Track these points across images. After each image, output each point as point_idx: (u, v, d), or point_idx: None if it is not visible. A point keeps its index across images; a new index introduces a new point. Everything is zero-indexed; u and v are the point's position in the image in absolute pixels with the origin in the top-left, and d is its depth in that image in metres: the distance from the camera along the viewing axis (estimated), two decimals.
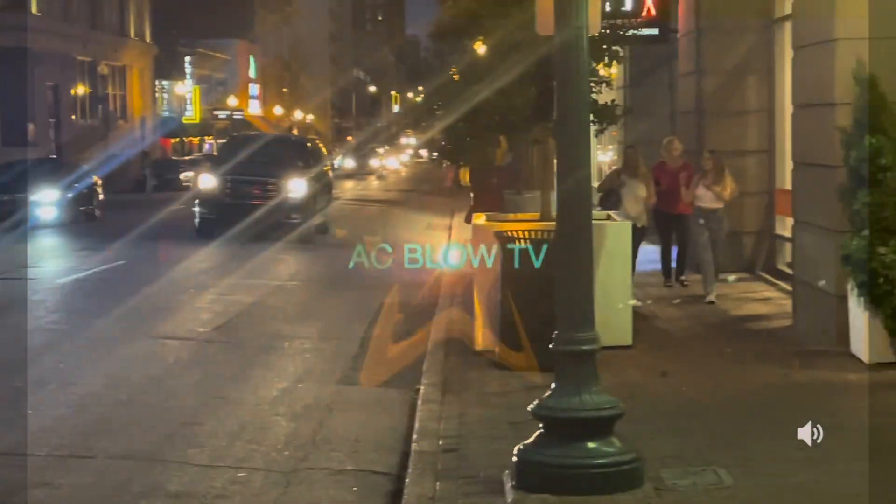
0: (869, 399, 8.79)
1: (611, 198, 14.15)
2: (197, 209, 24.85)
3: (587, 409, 6.70)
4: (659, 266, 15.60)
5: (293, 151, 27.25)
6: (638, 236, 13.81)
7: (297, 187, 24.73)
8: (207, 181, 25.13)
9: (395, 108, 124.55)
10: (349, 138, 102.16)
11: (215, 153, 46.22)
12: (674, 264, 15.43)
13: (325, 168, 28.61)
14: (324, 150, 30.44)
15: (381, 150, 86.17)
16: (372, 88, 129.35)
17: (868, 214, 9.87)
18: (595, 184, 28.75)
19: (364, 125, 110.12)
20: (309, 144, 29.74)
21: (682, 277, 15.22)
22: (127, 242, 22.75)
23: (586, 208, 6.84)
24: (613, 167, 15.11)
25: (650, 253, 15.93)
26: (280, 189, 24.52)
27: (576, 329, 6.79)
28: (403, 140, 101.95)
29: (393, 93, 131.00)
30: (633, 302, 13.25)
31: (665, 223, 15.22)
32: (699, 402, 8.96)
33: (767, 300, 14.13)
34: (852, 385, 9.31)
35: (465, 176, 32.22)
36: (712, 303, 13.73)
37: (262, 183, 24.62)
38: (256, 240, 22.70)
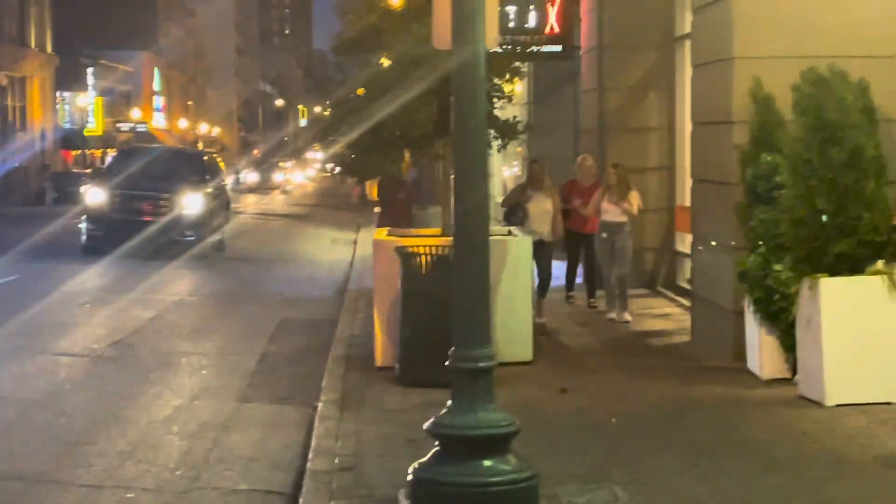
0: (764, 415, 8.85)
1: (517, 213, 13.65)
2: (84, 225, 23.62)
3: (483, 426, 6.62)
4: (562, 282, 15.54)
5: (188, 165, 26.05)
6: (547, 252, 13.58)
7: (191, 203, 23.66)
8: (95, 195, 23.84)
9: (303, 122, 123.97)
10: (256, 152, 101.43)
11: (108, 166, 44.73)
12: (579, 279, 15.30)
13: (222, 182, 27.56)
14: (221, 163, 29.70)
15: (286, 165, 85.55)
16: (279, 102, 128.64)
17: (764, 231, 9.98)
18: (499, 199, 28.69)
19: (271, 139, 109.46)
20: (205, 158, 28.44)
21: (592, 300, 14.84)
22: (14, 257, 22.03)
23: (483, 223, 6.78)
24: (519, 182, 14.59)
25: (556, 268, 15.85)
26: (173, 205, 23.44)
27: (472, 346, 6.71)
28: (310, 154, 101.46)
29: (300, 106, 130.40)
30: (542, 320, 13.27)
31: (575, 242, 15.01)
32: (597, 419, 8.94)
33: (667, 316, 14.23)
34: (748, 401, 9.38)
35: (373, 190, 31.99)
36: (627, 322, 13.54)
37: (154, 198, 23.49)
38: (153, 256, 22.18)
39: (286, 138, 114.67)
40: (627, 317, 13.68)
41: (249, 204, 47.76)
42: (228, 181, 32.10)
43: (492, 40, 6.89)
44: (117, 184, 23.78)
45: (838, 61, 9.46)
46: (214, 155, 31.39)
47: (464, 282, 6.72)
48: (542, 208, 13.69)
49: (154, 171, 24.44)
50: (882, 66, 10.55)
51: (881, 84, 10.01)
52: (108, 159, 57.91)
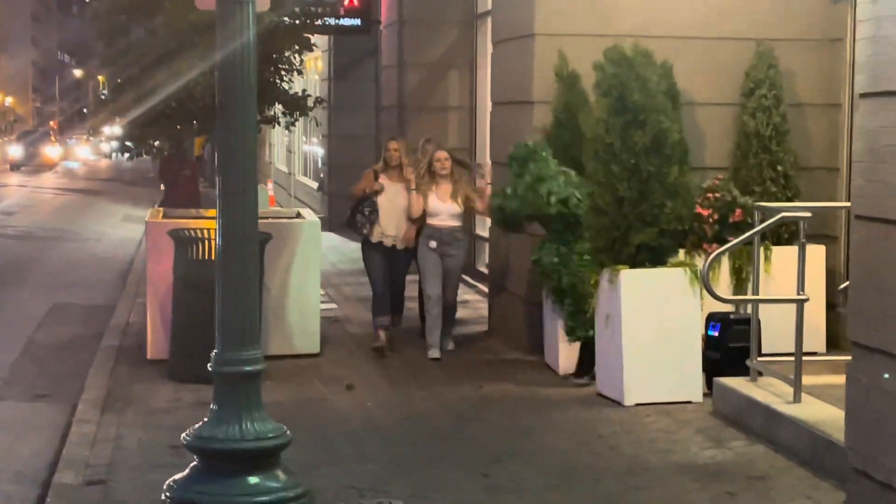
0: (561, 416, 8.31)
1: (364, 209, 10.60)
2: None
3: (248, 438, 5.83)
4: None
5: None
6: (401, 262, 10.71)
7: None
8: None
9: (104, 94, 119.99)
10: (53, 123, 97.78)
11: None
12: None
13: None
14: None
15: (70, 139, 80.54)
16: (77, 72, 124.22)
17: None
18: (301, 177, 27.50)
19: (68, 110, 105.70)
20: None
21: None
22: None
23: (251, 204, 5.96)
24: (374, 167, 10.90)
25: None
26: None
27: (237, 347, 5.91)
28: (108, 129, 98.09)
29: (100, 77, 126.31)
30: (332, 306, 12.51)
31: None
32: (384, 421, 8.27)
33: (465, 304, 13.60)
34: (545, 400, 8.81)
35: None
36: (437, 359, 10.28)
37: None
38: None
39: (85, 110, 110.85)
40: (451, 345, 10.71)
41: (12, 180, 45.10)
42: None
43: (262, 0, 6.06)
44: None
45: (642, 41, 8.97)
46: None
47: (229, 273, 5.92)
48: (397, 204, 10.61)
49: None
50: (685, 47, 10.22)
51: (684, 65, 9.68)
52: None
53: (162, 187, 24.86)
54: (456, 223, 10.52)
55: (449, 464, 7.16)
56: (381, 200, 10.56)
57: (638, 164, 8.52)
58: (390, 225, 10.57)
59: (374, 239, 10.62)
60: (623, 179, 8.54)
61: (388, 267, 10.67)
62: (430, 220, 10.46)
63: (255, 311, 6.02)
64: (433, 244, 10.44)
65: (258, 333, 6.06)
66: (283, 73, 10.91)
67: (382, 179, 10.63)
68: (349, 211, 10.75)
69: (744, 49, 10.39)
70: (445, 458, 7.28)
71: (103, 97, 18.78)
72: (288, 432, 5.93)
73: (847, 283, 6.60)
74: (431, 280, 10.46)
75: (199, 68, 9.95)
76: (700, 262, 9.18)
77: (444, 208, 10.44)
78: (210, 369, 5.95)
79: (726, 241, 9.26)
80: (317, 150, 25.61)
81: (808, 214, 7.93)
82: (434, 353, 10.37)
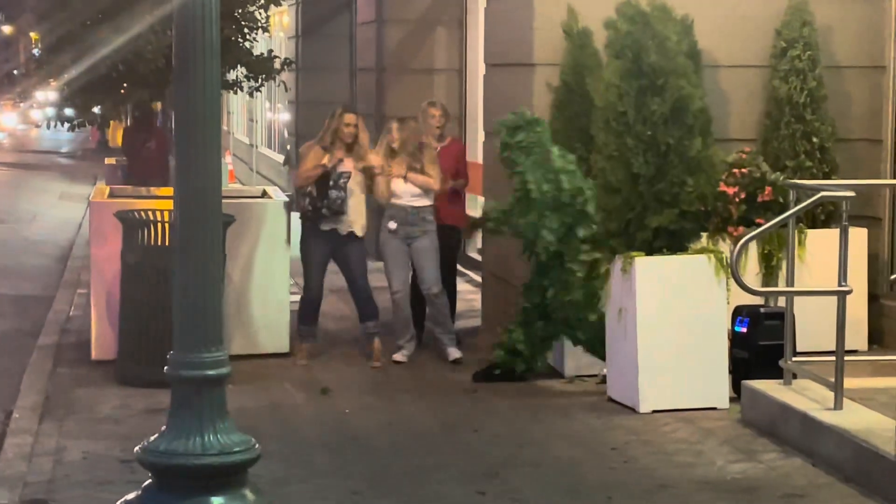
0: (567, 424, 8.37)
1: (340, 179, 10.02)
2: None
3: (211, 452, 5.81)
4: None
5: None
6: (353, 254, 10.24)
7: None
8: None
9: (36, 53, 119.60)
10: None
11: None
12: None
13: None
14: None
15: None
16: (6, 28, 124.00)
17: None
18: (264, 149, 27.53)
19: None
20: None
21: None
22: None
23: (215, 179, 5.92)
24: (319, 143, 10.24)
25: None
26: None
27: (198, 347, 5.88)
28: (41, 94, 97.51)
29: (33, 34, 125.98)
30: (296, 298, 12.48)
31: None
32: (365, 430, 8.32)
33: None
34: (548, 406, 8.86)
35: (116, 136, 30.51)
36: (401, 362, 10.29)
37: None
38: None
39: (15, 72, 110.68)
40: (454, 353, 10.42)
41: None
42: None
43: None
44: None
45: None
46: None
47: (188, 265, 5.90)
48: (351, 187, 10.11)
49: None
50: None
51: (706, 22, 9.74)
52: None
53: (106, 160, 24.83)
54: (422, 202, 10.26)
55: (439, 478, 7.19)
56: (349, 185, 10.07)
57: (655, 136, 8.55)
58: (357, 213, 10.13)
59: (325, 226, 10.11)
60: (638, 153, 8.57)
61: (329, 262, 10.29)
62: (393, 200, 10.27)
63: (220, 305, 6.00)
64: (393, 225, 10.23)
65: (221, 331, 6.04)
66: (246, 30, 10.92)
67: (340, 156, 10.05)
68: (307, 197, 9.98)
69: (774, 2, 10.43)
70: (435, 472, 7.31)
71: (36, 57, 18.81)
72: (256, 445, 5.92)
73: None
74: (395, 272, 10.29)
75: (150, 24, 9.96)
76: (724, 247, 9.22)
77: (406, 188, 10.20)
78: (166, 373, 5.95)
79: (753, 223, 9.34)
80: (283, 118, 25.60)
81: (851, 194, 7.94)
82: (400, 355, 10.31)
